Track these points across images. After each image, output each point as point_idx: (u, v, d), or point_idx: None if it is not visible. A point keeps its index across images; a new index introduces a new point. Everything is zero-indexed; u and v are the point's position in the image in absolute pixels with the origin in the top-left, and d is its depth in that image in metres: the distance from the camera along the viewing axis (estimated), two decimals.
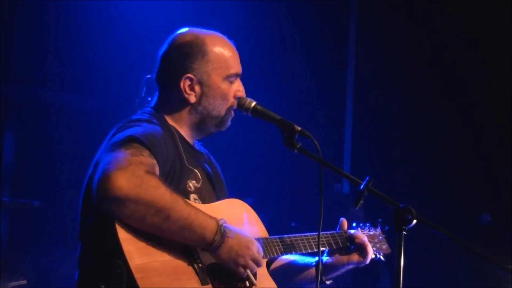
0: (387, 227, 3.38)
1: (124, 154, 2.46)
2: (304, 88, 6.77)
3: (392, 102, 6.57)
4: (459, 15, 6.16)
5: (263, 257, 2.75)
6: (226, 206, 2.81)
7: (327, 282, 3.11)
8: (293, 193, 6.65)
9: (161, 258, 2.48)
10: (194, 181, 2.80)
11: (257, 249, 2.64)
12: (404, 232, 2.48)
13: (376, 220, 3.40)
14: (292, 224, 6.02)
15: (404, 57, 6.53)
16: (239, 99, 2.88)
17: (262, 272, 2.78)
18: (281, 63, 6.72)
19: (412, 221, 2.49)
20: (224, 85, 2.86)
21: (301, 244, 2.99)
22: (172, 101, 2.86)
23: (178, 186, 2.68)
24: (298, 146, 2.74)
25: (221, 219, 2.58)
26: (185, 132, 2.87)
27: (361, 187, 2.61)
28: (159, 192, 2.43)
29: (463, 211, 5.99)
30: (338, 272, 3.16)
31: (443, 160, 6.30)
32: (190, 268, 2.54)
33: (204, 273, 2.57)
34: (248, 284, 2.66)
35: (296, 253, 2.99)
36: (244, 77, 2.94)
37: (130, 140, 2.52)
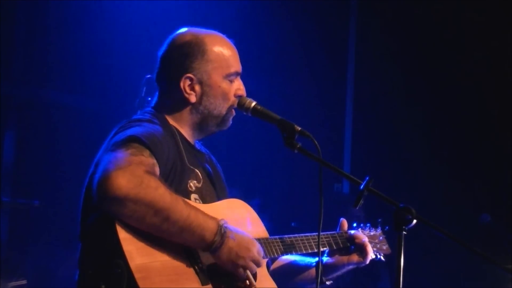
0: (387, 228, 3.38)
1: (124, 154, 2.46)
2: (304, 88, 6.77)
3: (392, 102, 6.57)
4: (459, 15, 6.16)
5: (264, 257, 2.75)
6: (226, 206, 2.81)
7: (327, 283, 3.11)
8: (293, 193, 6.65)
9: (162, 258, 2.48)
10: (195, 181, 2.80)
11: (257, 249, 2.64)
12: (404, 232, 2.48)
13: (377, 221, 3.40)
14: (292, 224, 6.02)
15: (404, 57, 6.53)
16: (239, 99, 2.88)
17: (263, 272, 2.78)
18: (281, 63, 6.73)
19: (412, 221, 2.49)
20: (224, 84, 2.86)
21: (301, 244, 2.99)
22: (173, 101, 2.85)
23: (179, 186, 2.68)
24: (298, 146, 2.74)
25: (221, 219, 2.58)
26: (186, 132, 2.87)
27: (361, 187, 2.61)
28: (159, 193, 2.43)
29: (463, 211, 5.99)
30: (338, 273, 3.16)
31: (443, 160, 6.30)
32: (190, 268, 2.54)
33: (204, 273, 2.56)
34: (248, 284, 2.66)
35: (296, 253, 2.99)
36: (244, 77, 2.94)
37: (130, 140, 2.52)
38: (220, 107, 2.86)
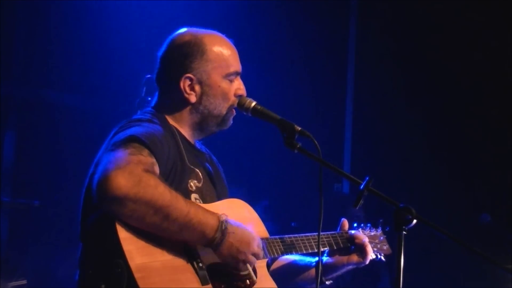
0: (388, 228, 3.38)
1: (123, 154, 2.46)
2: (304, 88, 6.77)
3: (392, 102, 6.57)
4: (459, 15, 6.16)
5: (264, 257, 2.75)
6: (227, 206, 2.81)
7: (327, 283, 3.11)
8: (293, 193, 6.65)
9: (162, 258, 2.48)
10: (195, 181, 2.81)
11: (257, 243, 2.64)
12: (404, 232, 2.48)
13: (377, 221, 3.40)
14: (292, 224, 6.02)
15: (404, 57, 6.52)
16: (239, 99, 2.88)
17: (263, 272, 2.78)
18: (281, 63, 6.72)
19: (412, 221, 2.49)
20: (224, 84, 2.86)
21: (301, 244, 2.99)
22: (173, 101, 2.86)
23: (179, 186, 2.68)
24: (298, 146, 2.74)
25: (222, 214, 2.58)
26: (186, 132, 2.88)
27: (361, 187, 2.61)
28: (158, 191, 2.44)
29: (463, 211, 5.99)
30: (338, 273, 3.17)
31: (443, 160, 6.30)
32: (190, 268, 2.54)
33: (205, 273, 2.56)
34: (248, 283, 2.66)
35: (296, 253, 2.99)
36: (244, 77, 2.94)
37: (130, 140, 2.53)
38: (220, 106, 2.86)
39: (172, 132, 2.80)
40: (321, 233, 2.84)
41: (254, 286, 2.67)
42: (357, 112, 6.97)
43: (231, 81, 2.88)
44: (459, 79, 6.23)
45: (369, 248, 3.17)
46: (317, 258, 2.99)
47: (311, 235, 3.02)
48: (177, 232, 2.49)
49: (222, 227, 2.55)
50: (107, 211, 2.43)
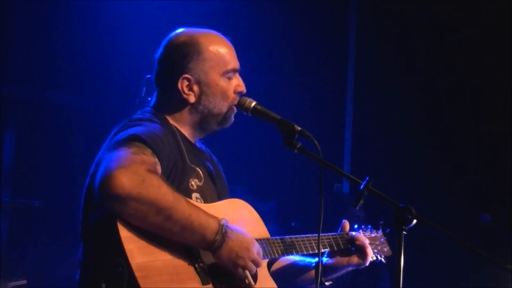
0: (388, 229, 3.38)
1: (126, 153, 2.46)
2: (304, 88, 6.77)
3: (392, 102, 6.57)
4: (460, 15, 6.16)
5: (264, 258, 2.75)
6: (228, 206, 2.81)
7: (327, 283, 3.11)
8: (293, 193, 6.65)
9: (163, 257, 2.48)
10: (196, 180, 2.80)
11: (257, 250, 2.64)
12: (404, 232, 2.48)
13: (378, 222, 3.40)
14: (292, 224, 6.03)
15: (404, 57, 6.53)
16: (239, 99, 2.88)
17: (263, 272, 2.78)
18: (281, 63, 6.72)
19: (412, 221, 2.49)
20: (222, 82, 2.86)
21: (302, 245, 2.99)
22: (172, 102, 2.86)
23: (180, 185, 2.69)
24: (298, 146, 2.74)
25: (223, 218, 2.58)
26: (186, 131, 2.88)
27: (361, 187, 2.60)
28: (161, 192, 2.43)
29: (463, 211, 5.99)
30: (338, 273, 3.17)
31: (443, 160, 6.30)
32: (191, 268, 2.54)
33: (205, 273, 2.56)
34: (247, 284, 2.66)
35: (297, 254, 2.99)
36: (244, 77, 2.94)
37: (132, 139, 2.53)
38: (220, 105, 2.86)
39: (173, 131, 2.80)
40: (322, 234, 2.84)
41: (255, 287, 2.67)
42: (357, 112, 6.97)
43: (229, 78, 2.88)
44: (459, 79, 6.23)
45: (369, 250, 3.17)
46: (317, 259, 2.99)
47: (312, 236, 3.02)
48: (178, 233, 2.49)
49: (223, 230, 2.54)
50: (109, 209, 2.43)
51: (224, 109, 2.87)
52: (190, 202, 2.55)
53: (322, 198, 2.71)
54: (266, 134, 5.78)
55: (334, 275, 3.16)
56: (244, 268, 2.60)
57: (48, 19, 5.90)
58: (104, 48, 5.92)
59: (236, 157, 6.00)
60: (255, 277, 2.67)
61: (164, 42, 2.90)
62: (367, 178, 2.61)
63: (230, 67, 2.87)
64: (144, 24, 5.87)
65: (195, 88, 2.83)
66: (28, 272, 5.28)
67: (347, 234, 3.20)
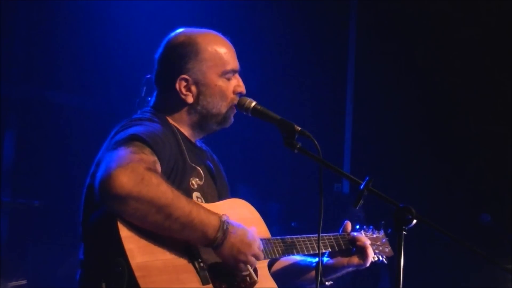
0: (390, 230, 3.38)
1: (125, 152, 2.47)
2: (304, 88, 6.77)
3: (392, 102, 6.57)
4: (460, 15, 6.16)
5: (265, 258, 2.75)
6: (229, 206, 2.81)
7: (327, 283, 3.11)
8: (293, 193, 6.65)
9: (163, 257, 2.48)
10: (196, 179, 2.81)
11: (258, 244, 2.64)
12: (404, 232, 2.49)
13: (379, 223, 3.40)
14: (292, 224, 6.03)
15: (404, 57, 6.52)
16: (239, 99, 2.88)
17: (264, 272, 2.78)
18: (281, 63, 6.72)
19: (412, 220, 2.49)
20: (221, 82, 2.86)
21: (302, 245, 2.99)
22: (171, 102, 2.86)
23: (181, 184, 2.69)
24: (298, 146, 2.74)
25: (224, 214, 2.58)
26: (186, 131, 2.88)
27: (361, 187, 2.61)
28: (161, 190, 2.44)
29: (463, 211, 5.99)
30: (338, 274, 3.17)
31: (443, 160, 6.30)
32: (191, 267, 2.54)
33: (205, 272, 2.57)
34: (249, 283, 2.66)
35: (297, 254, 3.00)
36: (244, 77, 2.94)
37: (132, 139, 2.53)
38: (219, 105, 2.86)
39: (173, 131, 2.81)
40: (323, 234, 2.84)
41: (255, 286, 2.67)
42: (357, 112, 6.96)
43: (228, 79, 2.88)
44: (459, 79, 6.23)
45: (370, 251, 3.17)
46: (317, 259, 2.99)
47: (312, 236, 3.03)
48: (179, 231, 2.49)
49: (224, 227, 2.55)
50: (109, 209, 2.43)
51: (223, 109, 2.87)
52: (190, 200, 2.55)
53: (322, 198, 2.72)
54: (266, 134, 5.78)
55: (334, 275, 3.16)
56: (246, 263, 2.61)
57: (48, 19, 5.89)
58: (104, 48, 5.91)
59: (236, 157, 6.00)
60: (255, 271, 2.67)
61: (163, 42, 2.91)
62: (367, 178, 2.62)
63: (229, 67, 2.87)
64: (144, 24, 5.87)
65: (193, 88, 2.84)
66: (28, 272, 5.27)
67: (348, 234, 3.20)
